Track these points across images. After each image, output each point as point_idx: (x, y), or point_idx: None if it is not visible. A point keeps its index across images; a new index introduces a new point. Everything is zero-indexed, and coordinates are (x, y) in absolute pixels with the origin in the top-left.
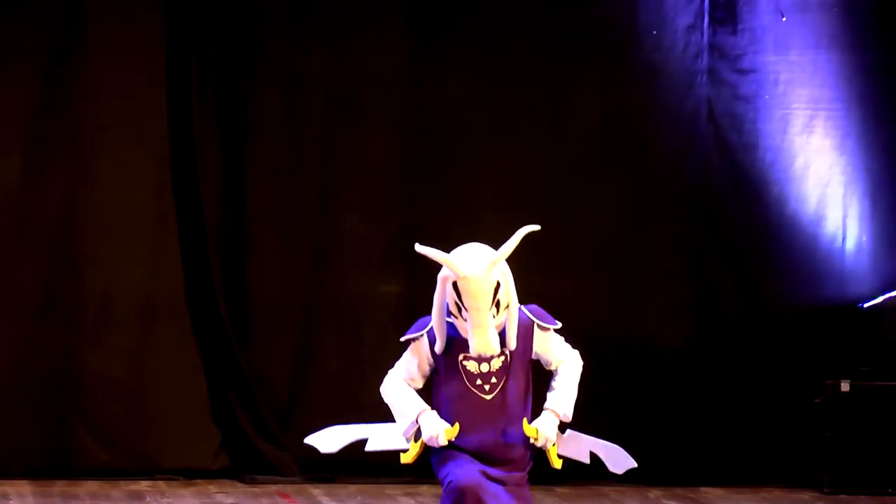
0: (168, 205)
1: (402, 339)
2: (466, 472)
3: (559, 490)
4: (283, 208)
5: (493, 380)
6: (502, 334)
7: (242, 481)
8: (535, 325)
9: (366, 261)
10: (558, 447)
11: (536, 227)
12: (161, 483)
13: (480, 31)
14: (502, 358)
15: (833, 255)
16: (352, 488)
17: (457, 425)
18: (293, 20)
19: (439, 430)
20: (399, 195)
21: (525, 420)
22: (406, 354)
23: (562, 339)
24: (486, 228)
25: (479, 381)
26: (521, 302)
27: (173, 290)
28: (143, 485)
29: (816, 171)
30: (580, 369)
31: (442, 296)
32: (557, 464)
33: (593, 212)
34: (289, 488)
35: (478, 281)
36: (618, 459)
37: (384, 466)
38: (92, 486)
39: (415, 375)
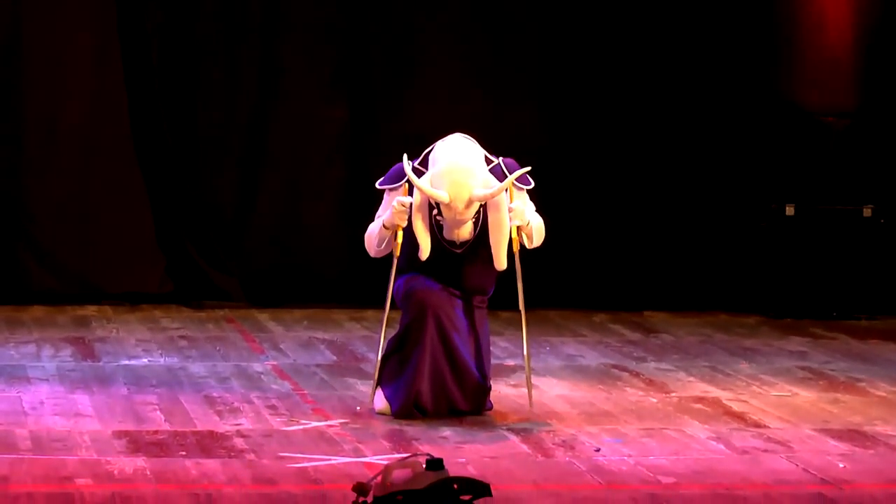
0: (112, 32)
1: (378, 186)
2: (429, 286)
3: (503, 315)
4: (228, 36)
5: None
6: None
7: (189, 306)
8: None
9: (310, 86)
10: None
11: (527, 169)
12: (107, 308)
13: None
14: (474, 219)
15: None
16: (297, 313)
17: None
18: None
19: (394, 202)
20: (344, 21)
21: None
22: (384, 202)
23: (532, 204)
24: (432, 56)
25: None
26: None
27: (118, 117)
28: (90, 310)
29: None
30: (543, 230)
31: (422, 198)
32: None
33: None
34: (235, 313)
35: (461, 212)
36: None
37: (330, 292)
38: (38, 311)
39: None
